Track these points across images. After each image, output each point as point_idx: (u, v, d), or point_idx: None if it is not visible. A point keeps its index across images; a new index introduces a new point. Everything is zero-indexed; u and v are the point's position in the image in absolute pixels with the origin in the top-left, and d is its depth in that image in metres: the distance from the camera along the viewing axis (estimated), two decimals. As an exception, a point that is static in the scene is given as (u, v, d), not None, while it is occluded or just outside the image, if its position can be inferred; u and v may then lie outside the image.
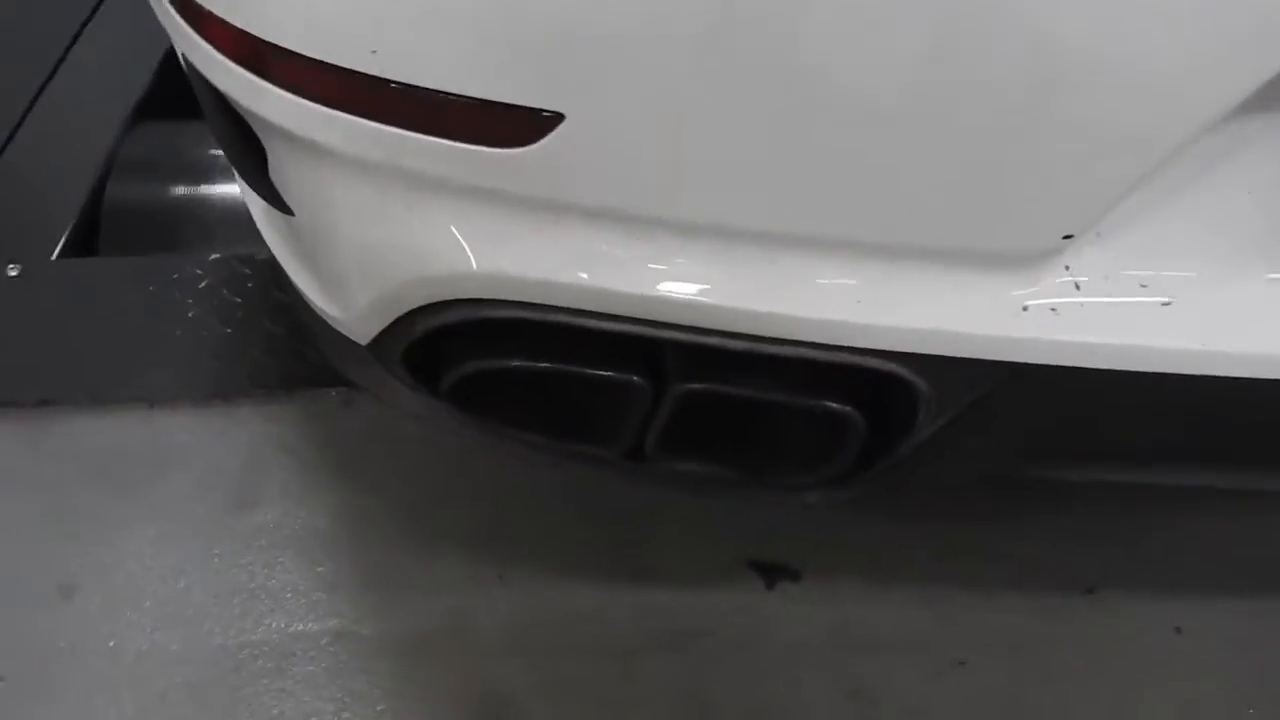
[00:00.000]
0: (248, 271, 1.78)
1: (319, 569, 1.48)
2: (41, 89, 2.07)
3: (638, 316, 0.98)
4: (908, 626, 1.43)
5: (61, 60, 2.13)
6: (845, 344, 0.93)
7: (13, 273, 1.75)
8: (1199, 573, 1.49)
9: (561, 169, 0.90)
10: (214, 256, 1.79)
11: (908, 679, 1.41)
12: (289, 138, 1.02)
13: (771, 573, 1.47)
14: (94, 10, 2.23)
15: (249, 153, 1.13)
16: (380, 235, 1.01)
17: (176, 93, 1.21)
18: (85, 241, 1.88)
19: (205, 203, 1.93)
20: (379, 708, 1.37)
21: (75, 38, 2.16)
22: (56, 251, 1.81)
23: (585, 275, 0.96)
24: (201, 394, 1.64)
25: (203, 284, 1.75)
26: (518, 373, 1.04)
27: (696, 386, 0.99)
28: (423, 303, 1.03)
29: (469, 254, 0.98)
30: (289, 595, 1.46)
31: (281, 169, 1.10)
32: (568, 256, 0.96)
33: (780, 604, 1.44)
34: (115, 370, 1.66)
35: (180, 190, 1.94)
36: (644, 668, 1.40)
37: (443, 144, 0.89)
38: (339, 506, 1.53)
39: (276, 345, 1.68)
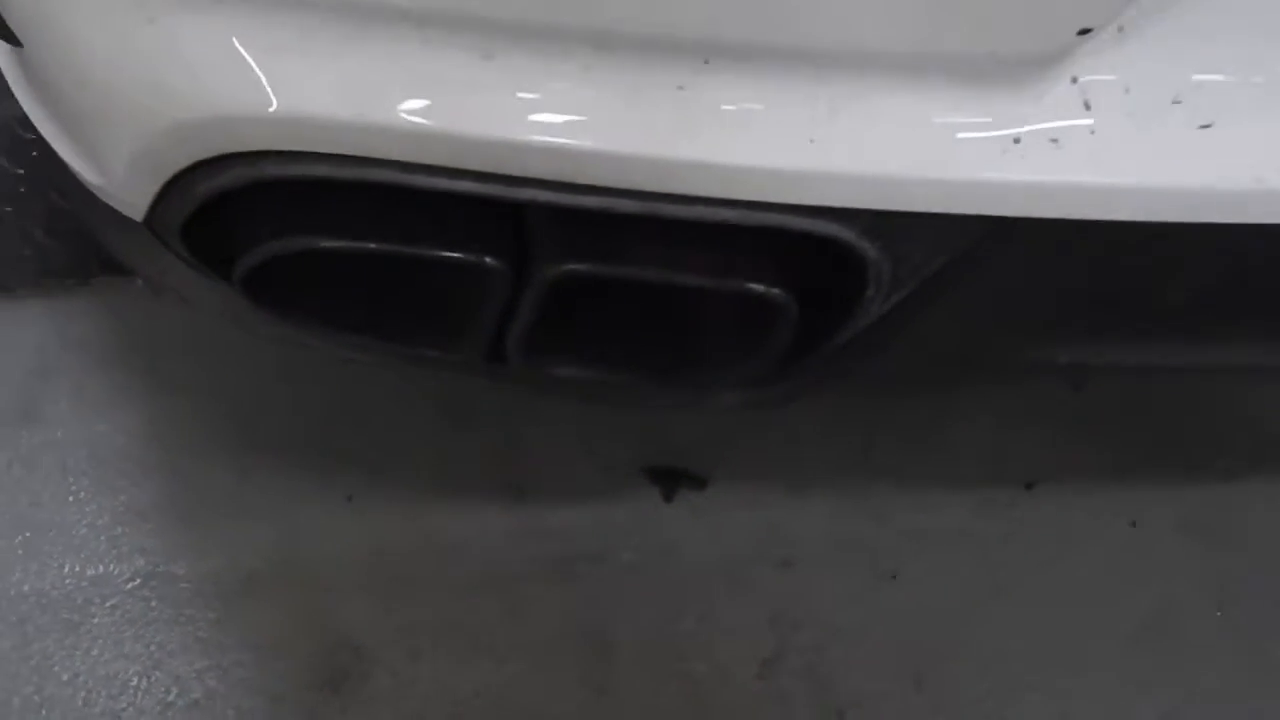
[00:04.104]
0: (31, 137, 1.47)
1: (121, 496, 1.23)
2: None
3: (492, 171, 0.72)
4: (831, 535, 1.24)
5: None
6: (771, 200, 0.68)
7: None
8: (1151, 460, 1.32)
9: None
10: (-20, 121, 1.48)
11: (834, 597, 1.22)
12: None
13: (672, 480, 1.25)
14: None
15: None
16: (125, 64, 0.72)
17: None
18: None
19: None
20: (197, 665, 1.14)
21: None
22: None
23: (419, 110, 0.69)
24: (-26, 286, 1.37)
25: (-30, 153, 1.45)
26: (331, 255, 0.77)
27: (573, 267, 0.74)
28: (196, 159, 0.76)
29: (250, 85, 0.70)
30: (84, 529, 1.21)
31: (-1, -22, 0.81)
32: (394, 84, 0.69)
33: (684, 517, 1.23)
34: None
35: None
36: (526, 602, 1.18)
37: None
38: (145, 419, 1.27)
39: (64, 226, 1.40)
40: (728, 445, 1.28)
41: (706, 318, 0.81)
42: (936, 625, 1.21)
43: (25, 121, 1.47)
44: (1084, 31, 0.61)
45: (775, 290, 0.73)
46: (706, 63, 0.65)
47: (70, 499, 1.22)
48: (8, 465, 1.24)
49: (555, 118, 0.68)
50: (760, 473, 1.26)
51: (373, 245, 0.75)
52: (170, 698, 1.13)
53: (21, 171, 1.46)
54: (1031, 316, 0.80)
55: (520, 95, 0.69)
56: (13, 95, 1.54)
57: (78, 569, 1.19)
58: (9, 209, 1.43)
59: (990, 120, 0.65)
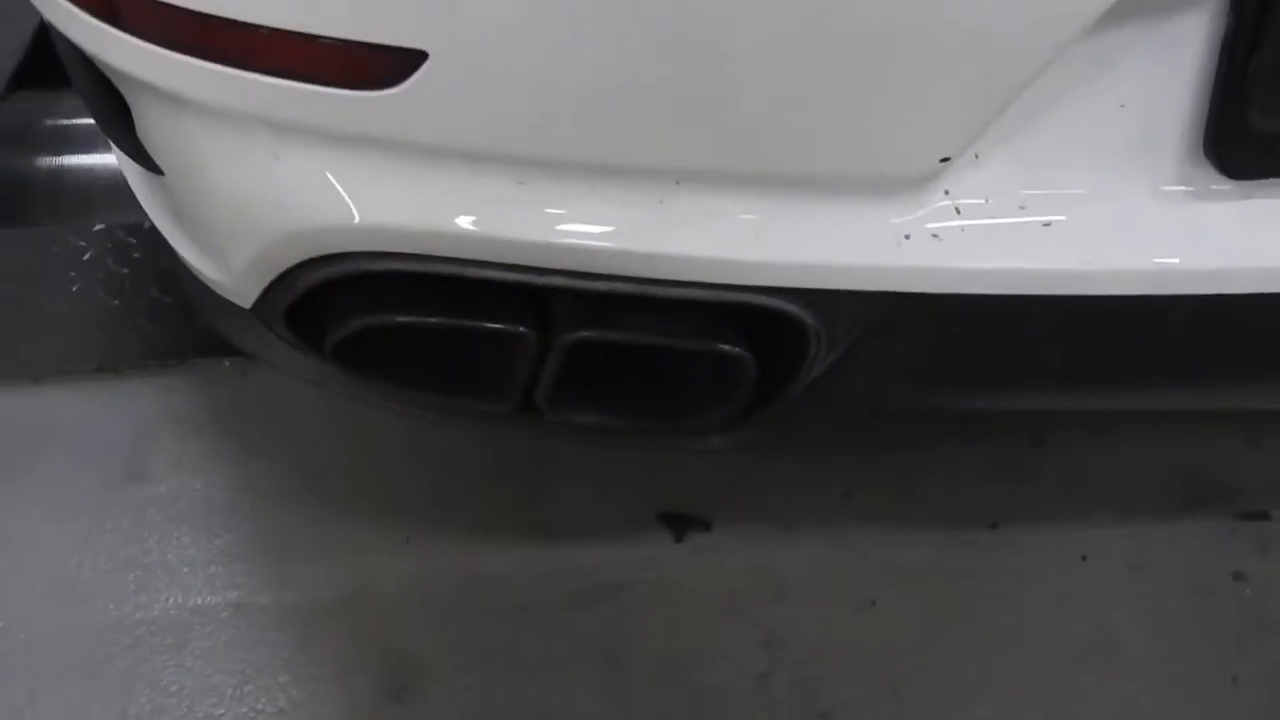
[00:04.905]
0: (133, 241, 1.72)
1: (216, 540, 1.44)
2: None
3: (523, 264, 0.95)
4: (819, 569, 1.42)
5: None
6: (731, 282, 0.91)
7: (-114, 251, 1.68)
8: (1101, 499, 1.49)
9: (432, 110, 0.86)
10: (97, 227, 1.74)
11: (820, 622, 1.40)
12: (148, 90, 0.97)
13: (680, 524, 1.45)
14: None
15: (114, 111, 1.08)
16: (249, 190, 0.97)
17: (51, 62, 1.17)
18: (-39, 216, 1.82)
19: (87, 172, 1.87)
20: (281, 679, 1.34)
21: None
22: (-67, 228, 1.74)
23: (472, 222, 0.93)
24: (89, 367, 1.59)
25: (86, 255, 1.70)
26: (401, 329, 1.00)
27: (585, 334, 0.97)
28: (300, 260, 0.99)
29: (343, 205, 0.94)
30: (185, 569, 1.42)
31: (146, 126, 1.05)
32: (451, 203, 0.93)
33: (690, 555, 1.43)
34: (-3, 346, 1.60)
35: (59, 160, 1.88)
36: (554, 626, 1.38)
37: (304, 89, 0.86)
38: (235, 476, 1.49)
39: (165, 314, 1.63)
40: (729, 493, 1.47)
41: (691, 374, 1.03)
42: (909, 645, 1.38)
43: (129, 228, 1.74)
44: (945, 159, 0.84)
45: (738, 350, 0.95)
46: (677, 183, 0.89)
47: (173, 543, 1.43)
48: (119, 518, 1.45)
49: (571, 226, 0.92)
50: (756, 517, 1.46)
51: (434, 320, 0.98)
52: (260, 705, 1.33)
53: (126, 270, 1.68)
54: (937, 369, 1.02)
55: (545, 210, 0.92)
56: (119, 208, 1.80)
57: (180, 601, 1.39)
58: (116, 302, 1.65)
59: (887, 222, 0.88)
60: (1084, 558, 1.45)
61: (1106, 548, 1.45)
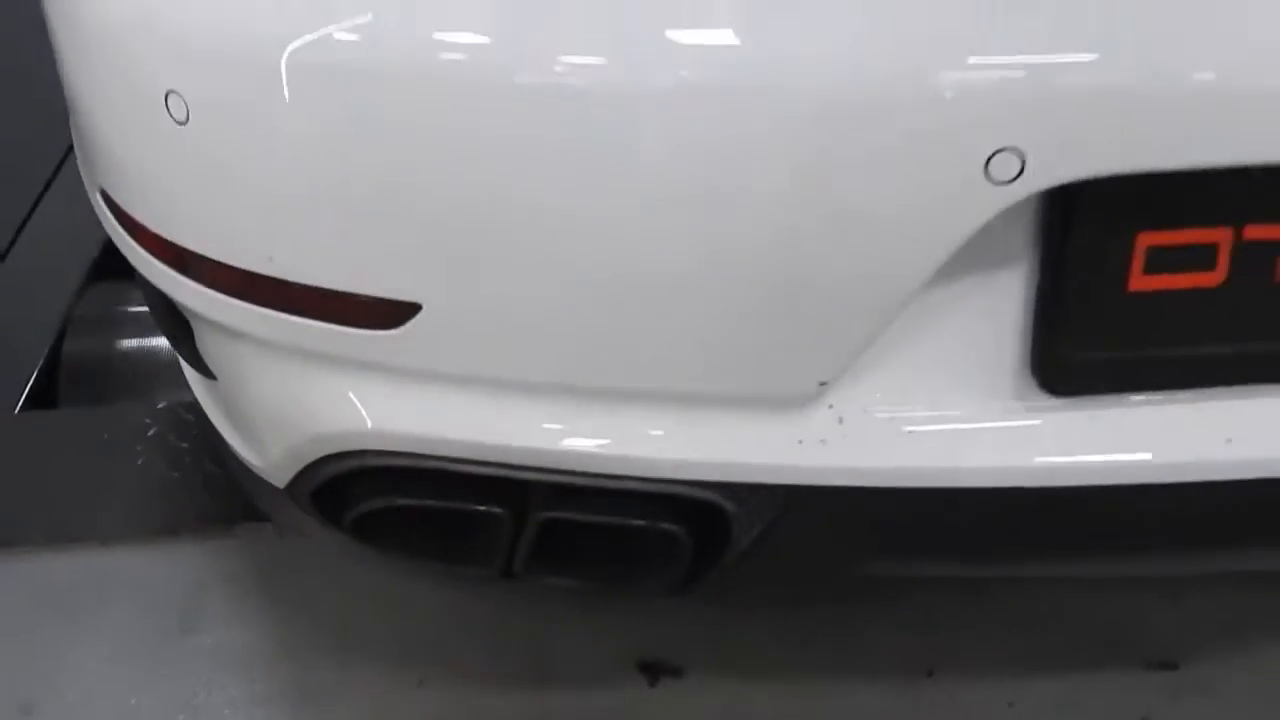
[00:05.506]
0: (191, 418, 1.97)
1: (256, 684, 1.65)
2: (3, 257, 2.29)
3: (500, 461, 1.18)
4: (772, 711, 1.61)
5: (20, 230, 2.35)
6: (662, 476, 1.14)
7: (-22, 425, 1.95)
8: (1030, 648, 1.66)
9: (426, 347, 1.11)
10: (161, 405, 1.99)
11: (780, 761, 1.60)
12: (207, 320, 1.23)
13: (655, 670, 1.65)
14: (47, 184, 2.46)
15: (179, 329, 1.34)
16: (285, 399, 1.22)
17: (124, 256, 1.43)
18: (46, 393, 2.08)
19: (153, 354, 2.14)
20: (310, 804, 1.55)
21: (32, 210, 2.39)
22: (19, 405, 2.01)
23: (459, 431, 1.17)
24: (150, 531, 1.82)
25: (151, 431, 1.94)
26: (406, 509, 1.24)
27: (552, 515, 1.20)
28: (323, 454, 1.23)
29: (358, 415, 1.18)
30: (227, 710, 1.63)
31: (204, 342, 1.31)
32: (444, 415, 1.17)
33: (662, 700, 1.63)
34: (71, 512, 1.84)
35: (130, 344, 2.15)
36: (544, 759, 1.58)
37: (327, 327, 1.11)
38: (273, 627, 1.71)
39: (217, 486, 1.85)
40: (701, 641, 1.66)
41: (642, 545, 1.25)
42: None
43: (188, 407, 1.99)
44: (823, 383, 1.08)
45: (674, 527, 1.18)
46: (619, 401, 1.13)
47: (218, 687, 1.64)
48: (173, 664, 1.66)
49: (537, 434, 1.15)
50: (723, 664, 1.64)
51: (430, 503, 1.22)
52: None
53: (185, 445, 1.92)
54: (848, 543, 1.24)
55: (518, 422, 1.15)
56: (180, 386, 2.05)
57: (224, 738, 1.62)
58: (176, 474, 1.89)
59: (783, 429, 1.10)
60: (1010, 704, 1.63)
61: (1032, 694, 1.63)
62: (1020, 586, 1.75)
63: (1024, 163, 0.94)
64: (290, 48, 0.99)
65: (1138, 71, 0.95)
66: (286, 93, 1.00)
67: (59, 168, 2.49)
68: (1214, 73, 0.96)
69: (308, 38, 0.99)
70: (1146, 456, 1.10)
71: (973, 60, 0.95)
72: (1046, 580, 1.73)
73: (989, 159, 0.94)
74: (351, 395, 1.17)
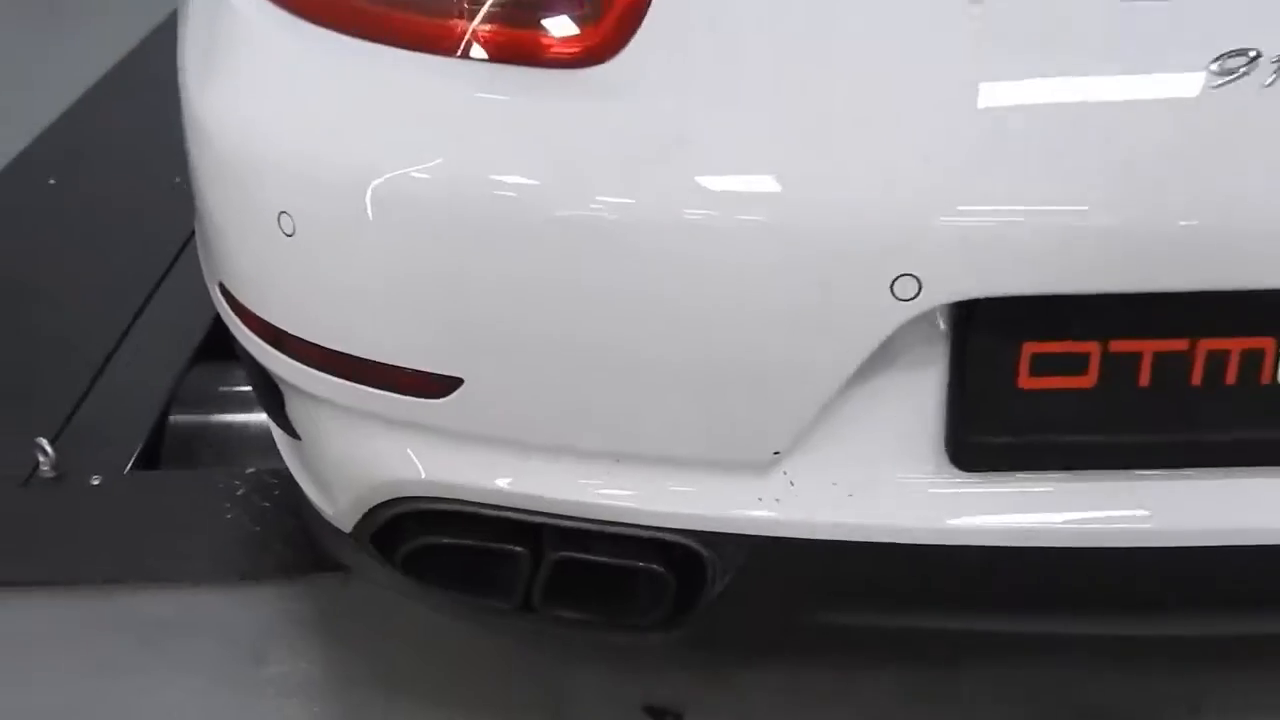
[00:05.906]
0: (274, 482, 2.28)
1: (314, 708, 1.92)
2: (124, 336, 2.65)
3: (524, 508, 1.47)
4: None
5: (139, 314, 2.71)
6: (651, 525, 1.41)
7: (95, 482, 2.28)
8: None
9: (469, 414, 1.40)
10: (249, 470, 2.30)
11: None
12: (296, 388, 1.54)
13: (659, 714, 1.90)
14: (165, 274, 2.83)
15: (273, 396, 1.65)
16: (354, 453, 1.51)
17: (226, 340, 1.73)
18: (151, 457, 2.41)
19: (244, 427, 2.46)
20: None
21: (150, 296, 2.76)
22: (129, 466, 2.34)
23: (493, 483, 1.45)
24: (235, 576, 2.12)
25: (239, 491, 2.25)
26: (447, 547, 1.52)
27: (562, 554, 1.47)
28: (383, 499, 1.52)
29: (414, 467, 1.47)
30: (291, 733, 1.92)
31: (292, 408, 1.61)
32: (483, 470, 1.45)
33: (666, 741, 1.88)
34: (168, 557, 2.15)
35: (225, 418, 2.48)
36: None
37: (388, 395, 1.41)
38: (330, 660, 1.99)
39: (293, 540, 2.15)
40: (705, 686, 1.90)
41: (639, 586, 1.52)
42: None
43: (270, 473, 2.30)
44: (777, 452, 1.35)
45: (660, 569, 1.45)
46: (618, 461, 1.41)
47: (282, 711, 1.91)
48: (245, 691, 1.93)
49: (554, 486, 1.43)
50: (720, 708, 1.90)
51: (467, 541, 1.49)
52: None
53: (267, 504, 2.23)
54: (812, 591, 1.48)
55: (543, 476, 1.43)
56: (266, 456, 2.36)
57: (286, 758, 1.90)
58: (258, 529, 2.19)
59: (744, 490, 1.37)
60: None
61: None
62: (996, 658, 1.96)
63: (920, 285, 1.22)
64: (375, 182, 1.30)
65: (1014, 212, 1.22)
66: (370, 215, 1.31)
67: (174, 260, 2.85)
68: (1083, 209, 1.22)
69: (390, 174, 1.31)
70: (1037, 523, 1.36)
71: (881, 201, 1.22)
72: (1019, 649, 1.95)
73: (893, 281, 1.22)
74: (409, 451, 1.46)
